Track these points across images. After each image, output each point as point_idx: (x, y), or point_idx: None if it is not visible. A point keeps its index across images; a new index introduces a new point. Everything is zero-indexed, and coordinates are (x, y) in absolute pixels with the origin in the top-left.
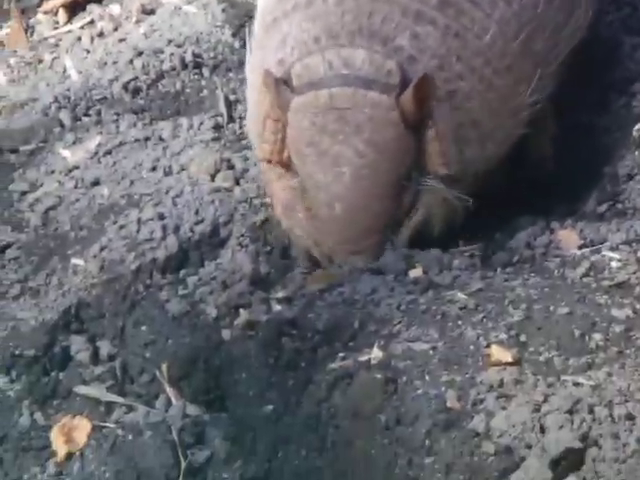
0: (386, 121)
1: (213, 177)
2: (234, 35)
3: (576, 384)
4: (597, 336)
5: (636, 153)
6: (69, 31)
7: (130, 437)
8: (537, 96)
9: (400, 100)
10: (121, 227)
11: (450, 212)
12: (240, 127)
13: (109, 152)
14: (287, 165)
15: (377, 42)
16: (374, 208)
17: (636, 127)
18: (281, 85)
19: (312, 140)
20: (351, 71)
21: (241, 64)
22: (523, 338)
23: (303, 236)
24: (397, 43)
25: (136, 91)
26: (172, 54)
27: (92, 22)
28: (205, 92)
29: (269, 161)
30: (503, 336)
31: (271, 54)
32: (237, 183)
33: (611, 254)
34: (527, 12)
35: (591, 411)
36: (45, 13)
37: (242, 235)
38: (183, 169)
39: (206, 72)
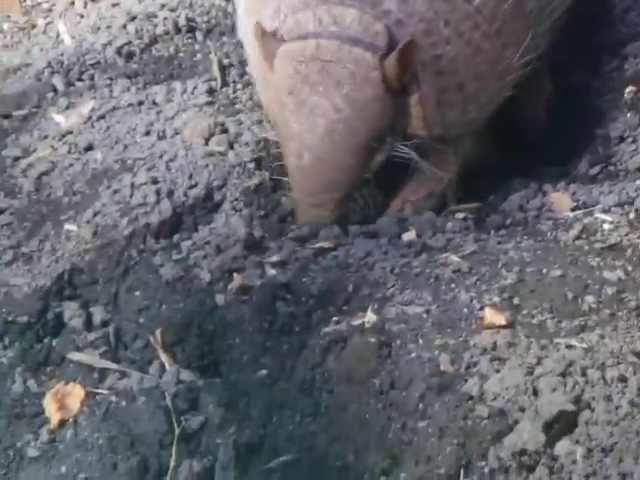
0: (367, 80)
1: (207, 141)
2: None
3: (569, 347)
4: (589, 298)
5: (628, 115)
6: None
7: (124, 403)
8: (528, 57)
9: (384, 63)
10: (115, 192)
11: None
12: (234, 91)
13: (102, 117)
14: None
15: (367, 4)
16: (340, 164)
17: (627, 89)
18: (269, 35)
19: (293, 88)
20: (340, 28)
21: (234, 28)
22: (516, 301)
23: None
24: (386, 6)
25: (129, 55)
26: (165, 18)
27: None
28: (199, 56)
29: None
30: (496, 299)
31: (266, 16)
32: (231, 147)
33: (603, 216)
34: None
35: (584, 374)
36: None
37: (236, 199)
38: (177, 133)
39: (199, 36)
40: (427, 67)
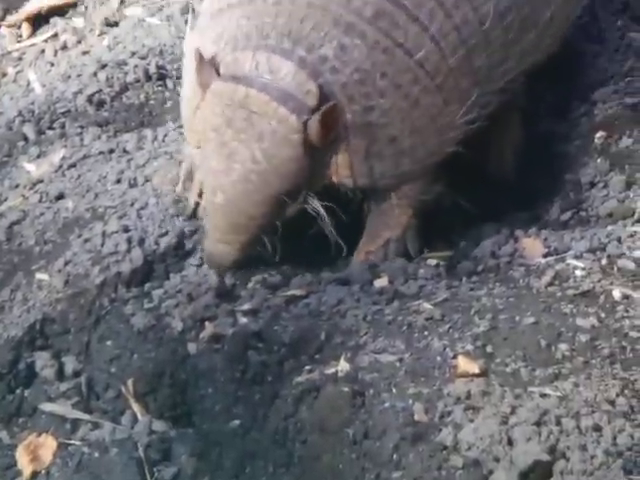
0: (287, 140)
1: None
2: None
3: (543, 395)
4: (563, 346)
5: (598, 161)
6: (33, 44)
7: (96, 454)
8: (474, 114)
9: (308, 124)
10: (86, 240)
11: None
12: None
13: (73, 165)
14: None
15: (303, 48)
16: (249, 211)
17: (597, 135)
18: (207, 64)
19: (218, 128)
20: (273, 79)
21: None
22: (489, 349)
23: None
24: (322, 52)
25: (100, 104)
26: (136, 66)
27: (56, 35)
28: (169, 104)
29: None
30: (469, 347)
31: (208, 43)
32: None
33: (575, 262)
34: (470, 27)
35: (558, 423)
36: (9, 27)
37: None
38: (147, 181)
39: (170, 84)
40: (358, 117)
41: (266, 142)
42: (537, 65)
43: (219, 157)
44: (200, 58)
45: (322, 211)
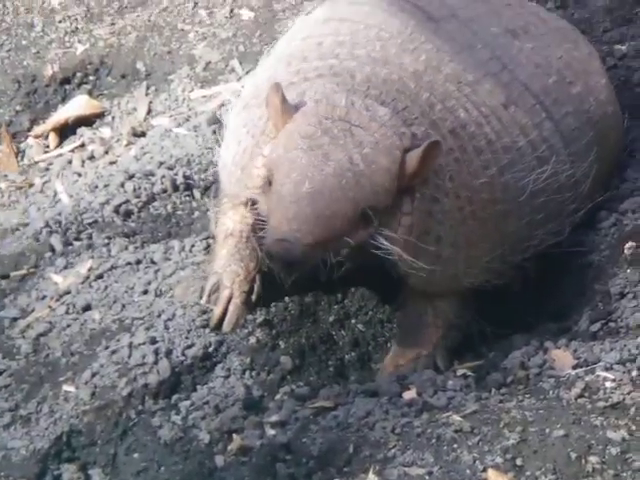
0: (388, 152)
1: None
2: None
3: None
4: (593, 459)
5: (628, 271)
6: (59, 155)
7: None
8: (490, 274)
9: (407, 154)
10: (113, 352)
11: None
12: None
13: (100, 276)
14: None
15: (398, 119)
16: (334, 207)
17: (627, 245)
18: (286, 100)
19: (311, 134)
20: (371, 114)
21: None
22: (519, 462)
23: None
24: (413, 129)
25: (127, 214)
26: (163, 176)
27: (83, 145)
28: (196, 214)
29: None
30: (499, 460)
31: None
32: None
33: (605, 374)
34: (510, 191)
35: None
36: (36, 137)
37: (234, 358)
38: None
39: (197, 194)
40: (426, 201)
41: (367, 148)
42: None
43: (310, 156)
44: (279, 91)
45: (391, 247)
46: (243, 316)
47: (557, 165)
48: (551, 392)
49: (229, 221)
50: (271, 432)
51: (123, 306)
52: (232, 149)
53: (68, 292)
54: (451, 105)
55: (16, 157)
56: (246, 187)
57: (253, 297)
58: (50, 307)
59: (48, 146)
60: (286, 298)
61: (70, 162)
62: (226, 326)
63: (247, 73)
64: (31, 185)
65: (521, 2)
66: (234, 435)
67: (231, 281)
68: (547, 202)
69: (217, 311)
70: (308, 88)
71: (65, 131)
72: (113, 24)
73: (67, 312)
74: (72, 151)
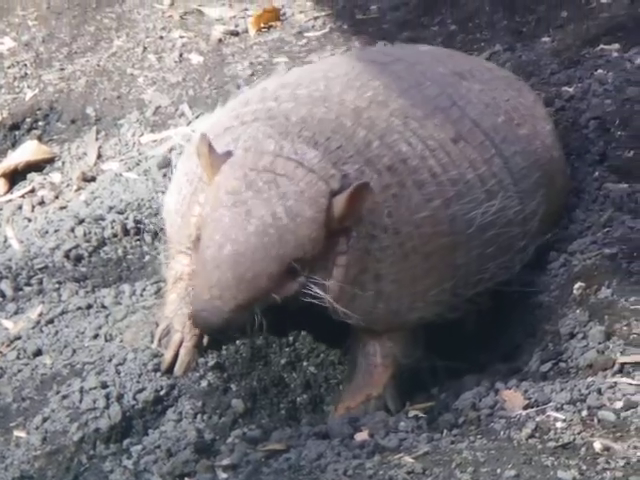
0: (314, 202)
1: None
2: None
3: None
4: None
5: (577, 311)
6: (9, 200)
7: None
8: (440, 307)
9: (335, 198)
10: (64, 397)
11: None
12: None
13: (51, 321)
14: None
15: (330, 159)
16: (258, 268)
17: (576, 285)
18: (215, 151)
19: (236, 189)
20: (300, 157)
21: None
22: None
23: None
24: (345, 168)
25: (78, 259)
26: (113, 221)
27: (33, 191)
28: (147, 258)
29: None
30: None
31: (221, 147)
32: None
33: (556, 414)
34: (458, 224)
35: None
36: None
37: (186, 402)
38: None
39: (148, 238)
40: (361, 240)
41: (291, 200)
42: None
43: (233, 213)
44: (206, 143)
45: (325, 296)
46: (194, 359)
47: (505, 200)
48: (502, 432)
49: (178, 265)
50: (223, 475)
51: (74, 351)
52: (174, 197)
53: (19, 337)
54: (392, 140)
55: None
56: (186, 236)
57: (204, 340)
58: (1, 352)
59: None
60: (237, 341)
61: (20, 207)
62: (177, 370)
63: (197, 117)
64: None
65: (462, 55)
66: (186, 479)
67: (182, 325)
68: (497, 235)
69: (168, 355)
70: (242, 132)
71: (15, 176)
72: (62, 69)
73: (18, 357)
74: (22, 196)
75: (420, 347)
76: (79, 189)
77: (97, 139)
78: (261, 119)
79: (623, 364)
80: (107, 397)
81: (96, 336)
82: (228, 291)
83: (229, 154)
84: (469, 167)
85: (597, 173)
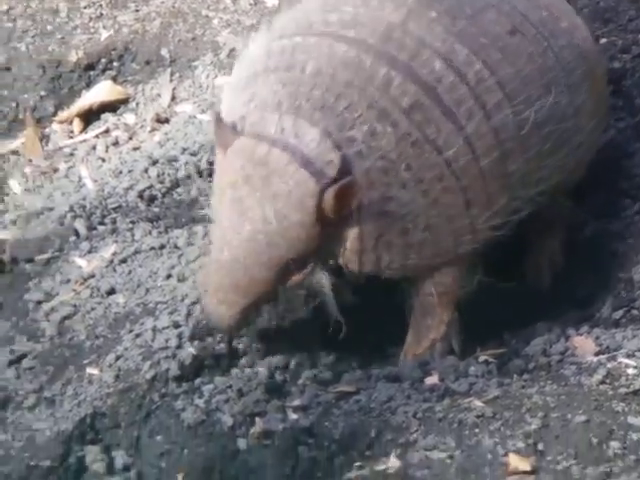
0: (301, 204)
1: None
2: None
3: None
4: (615, 444)
5: None
6: (84, 140)
7: None
8: (500, 220)
9: (324, 194)
10: (137, 336)
11: None
12: None
13: (124, 260)
14: None
15: (334, 126)
16: (253, 273)
17: None
18: (226, 127)
19: (235, 184)
20: (297, 144)
21: None
22: (541, 447)
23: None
24: (352, 134)
25: (151, 199)
26: (187, 162)
27: (107, 131)
28: None
29: None
30: (521, 445)
31: (238, 105)
32: None
33: (627, 361)
34: (508, 130)
35: None
36: (60, 122)
37: (257, 343)
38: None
39: None
40: (375, 204)
41: (280, 203)
42: (564, 186)
43: (232, 214)
44: (218, 119)
45: (326, 287)
46: None
47: (559, 95)
48: (573, 378)
49: None
50: (293, 416)
51: (147, 290)
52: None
53: (92, 276)
54: (423, 61)
55: (40, 142)
56: None
57: None
58: (74, 290)
59: (72, 131)
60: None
61: (94, 148)
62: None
63: None
64: (55, 170)
65: None
66: (257, 419)
67: None
68: (551, 132)
69: None
70: (258, 90)
71: (89, 117)
72: (137, 10)
73: (91, 295)
74: (96, 137)
75: (478, 271)
76: (153, 130)
77: (171, 81)
78: (280, 69)
79: None
80: (179, 337)
81: (169, 276)
82: (230, 295)
83: (236, 131)
84: (527, 61)
85: None
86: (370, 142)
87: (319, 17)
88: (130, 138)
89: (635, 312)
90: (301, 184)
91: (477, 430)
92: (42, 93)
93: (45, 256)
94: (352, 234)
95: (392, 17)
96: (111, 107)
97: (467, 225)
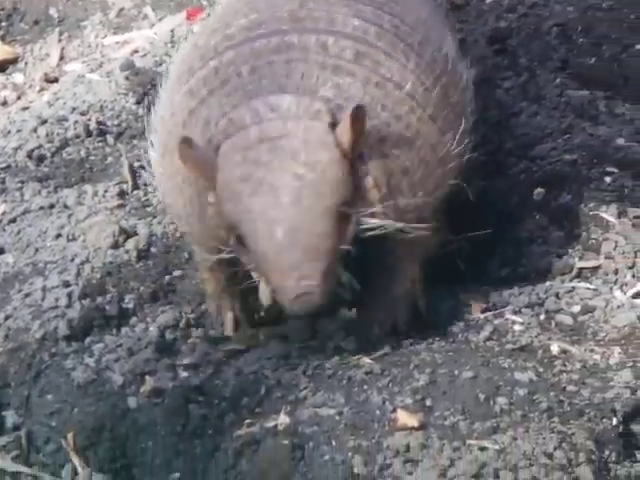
0: (322, 144)
1: (116, 244)
2: (138, 102)
3: (481, 448)
4: (501, 400)
5: (537, 217)
6: None
7: None
8: (461, 148)
9: (336, 130)
10: (26, 295)
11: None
12: (145, 194)
13: (13, 220)
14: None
15: (303, 93)
16: (314, 229)
17: (536, 191)
18: (199, 147)
19: (246, 175)
20: (278, 114)
21: (145, 131)
22: (428, 402)
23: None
24: (322, 93)
25: (40, 159)
26: (76, 122)
27: None
28: (109, 159)
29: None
30: (409, 400)
31: (197, 136)
32: (142, 250)
33: (514, 317)
34: (439, 65)
35: (497, 475)
36: None
37: (147, 302)
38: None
39: (110, 139)
40: (374, 150)
41: (302, 154)
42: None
43: (259, 197)
44: (189, 144)
45: (381, 223)
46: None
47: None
48: (460, 335)
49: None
50: (184, 374)
51: (36, 250)
52: (176, 200)
53: None
54: (340, 23)
55: None
56: (213, 237)
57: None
58: None
59: None
60: None
61: None
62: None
63: (160, 20)
64: None
65: None
66: (147, 377)
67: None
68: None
69: (230, 332)
70: (209, 113)
71: None
72: None
73: None
74: None
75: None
76: (42, 90)
77: (60, 40)
78: (216, 90)
79: (581, 269)
80: (69, 296)
81: (58, 236)
82: (307, 265)
83: (213, 147)
84: (421, 7)
85: (558, 80)
86: (341, 94)
87: (237, 26)
88: (19, 98)
89: (521, 270)
90: (310, 129)
91: (366, 387)
92: None
93: None
94: (368, 183)
95: (290, 5)
96: None
97: (446, 152)
